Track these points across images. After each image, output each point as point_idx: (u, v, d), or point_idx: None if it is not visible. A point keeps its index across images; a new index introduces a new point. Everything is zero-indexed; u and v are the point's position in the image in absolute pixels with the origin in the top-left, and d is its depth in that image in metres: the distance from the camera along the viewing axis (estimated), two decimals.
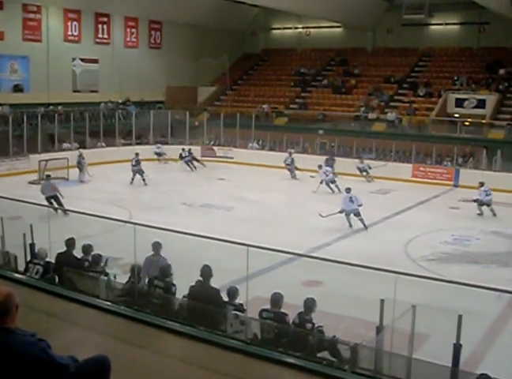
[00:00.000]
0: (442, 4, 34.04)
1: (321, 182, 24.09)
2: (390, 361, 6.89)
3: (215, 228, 14.83)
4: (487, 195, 20.61)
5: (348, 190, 19.06)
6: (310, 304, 7.80)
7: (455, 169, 27.18)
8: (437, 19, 35.97)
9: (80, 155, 25.99)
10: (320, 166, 25.13)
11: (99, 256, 9.83)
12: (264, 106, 35.33)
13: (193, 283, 8.51)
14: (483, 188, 20.81)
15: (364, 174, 27.14)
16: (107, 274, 9.52)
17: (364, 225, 18.35)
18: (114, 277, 9.50)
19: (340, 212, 18.69)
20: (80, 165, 25.71)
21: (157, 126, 33.38)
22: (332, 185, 24.08)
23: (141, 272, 9.29)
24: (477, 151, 29.04)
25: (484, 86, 32.76)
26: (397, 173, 27.24)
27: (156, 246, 9.86)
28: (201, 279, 8.49)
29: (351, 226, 18.50)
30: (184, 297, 8.53)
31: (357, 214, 18.45)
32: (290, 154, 27.94)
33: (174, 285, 8.77)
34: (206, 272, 8.41)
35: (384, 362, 6.91)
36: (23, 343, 3.95)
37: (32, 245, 10.81)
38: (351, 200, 18.59)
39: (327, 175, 24.29)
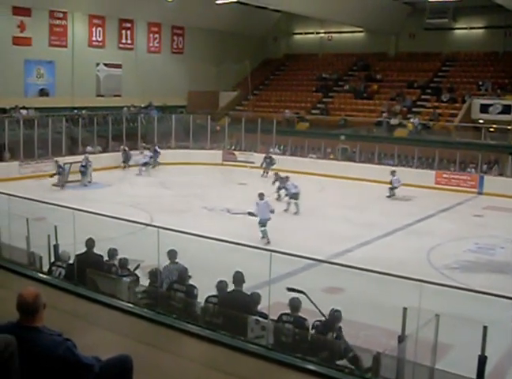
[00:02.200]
0: (466, 7, 33.75)
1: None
2: (413, 371, 6.80)
3: (235, 232, 14.83)
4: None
5: (262, 196, 17.59)
6: (336, 315, 7.72)
7: (479, 176, 26.87)
8: (461, 23, 35.76)
9: (87, 159, 26.16)
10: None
11: (126, 260, 9.84)
12: (286, 111, 35.23)
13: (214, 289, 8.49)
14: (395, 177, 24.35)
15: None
16: (138, 278, 9.55)
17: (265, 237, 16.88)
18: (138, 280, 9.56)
19: (250, 214, 17.58)
20: (84, 169, 25.86)
21: (179, 131, 33.47)
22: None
23: (162, 280, 9.29)
24: (502, 157, 28.63)
25: (510, 91, 32.36)
26: (420, 179, 27.01)
27: (172, 254, 9.81)
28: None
29: (268, 241, 16.79)
30: (208, 302, 8.50)
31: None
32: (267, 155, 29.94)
33: (195, 287, 8.74)
34: (238, 278, 8.36)
35: (406, 371, 6.82)
36: (50, 342, 3.99)
37: (56, 247, 10.88)
38: (266, 207, 17.35)
39: None
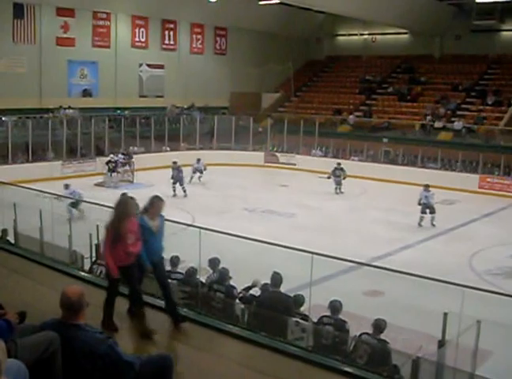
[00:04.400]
0: None
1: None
2: (453, 376, 6.74)
3: (276, 234, 14.84)
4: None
5: (427, 188, 20.42)
6: (381, 324, 7.65)
7: None
8: (508, 24, 35.07)
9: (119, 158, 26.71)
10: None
11: (177, 258, 9.83)
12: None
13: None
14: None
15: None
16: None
17: None
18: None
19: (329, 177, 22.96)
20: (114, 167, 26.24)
21: (221, 132, 33.64)
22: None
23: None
24: None
25: None
26: (463, 183, 26.63)
27: (215, 263, 9.63)
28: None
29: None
30: (242, 301, 8.55)
31: None
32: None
33: (235, 288, 8.80)
34: (277, 279, 8.40)
35: (445, 376, 6.77)
36: (92, 339, 4.07)
37: (97, 246, 11.05)
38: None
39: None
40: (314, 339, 7.65)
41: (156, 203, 6.84)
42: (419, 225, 19.91)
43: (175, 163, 24.60)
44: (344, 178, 25.40)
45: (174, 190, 23.81)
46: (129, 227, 6.39)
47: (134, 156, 28.09)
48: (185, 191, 23.81)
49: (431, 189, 20.73)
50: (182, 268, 10.56)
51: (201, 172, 26.93)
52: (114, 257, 6.35)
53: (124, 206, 6.51)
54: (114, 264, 6.34)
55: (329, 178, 25.49)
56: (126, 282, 6.59)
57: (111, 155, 26.26)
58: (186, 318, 6.55)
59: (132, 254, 6.41)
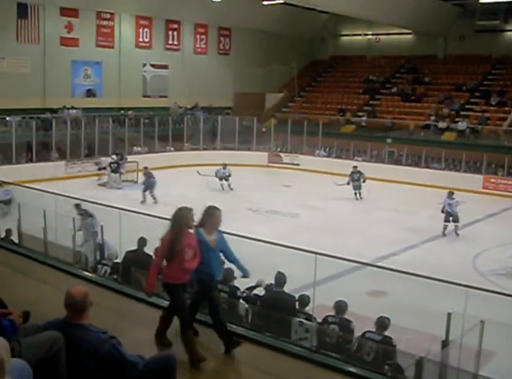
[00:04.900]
0: None
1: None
2: (456, 376, 6.73)
3: (280, 234, 14.83)
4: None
5: (451, 195, 19.56)
6: (384, 322, 7.64)
7: None
8: None
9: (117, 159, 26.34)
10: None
11: None
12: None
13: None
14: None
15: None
16: None
17: None
18: None
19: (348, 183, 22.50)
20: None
21: (225, 132, 33.65)
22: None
23: None
24: None
25: None
26: (467, 184, 26.55)
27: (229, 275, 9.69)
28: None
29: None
30: (246, 301, 8.55)
31: None
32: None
33: (238, 289, 8.80)
34: (281, 279, 8.40)
35: (449, 377, 6.76)
36: (96, 339, 4.07)
37: (102, 245, 11.07)
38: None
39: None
40: (318, 339, 7.65)
41: (214, 215, 6.31)
42: (443, 234, 19.06)
43: (145, 168, 23.48)
44: (363, 181, 24.27)
45: (144, 197, 22.34)
46: (187, 240, 5.91)
47: (138, 156, 28.11)
48: (154, 198, 22.36)
49: (454, 196, 19.74)
50: None
51: (227, 179, 25.64)
52: (165, 274, 5.91)
53: (182, 218, 6.01)
54: (153, 281, 5.94)
55: (348, 183, 24.25)
56: (174, 301, 6.05)
57: (114, 156, 26.26)
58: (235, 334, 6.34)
59: (188, 271, 5.93)
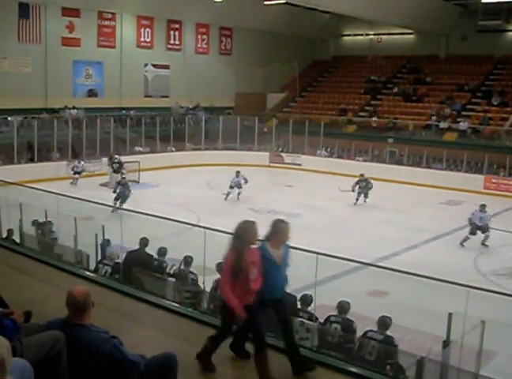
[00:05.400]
0: None
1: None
2: (457, 376, 6.73)
3: None
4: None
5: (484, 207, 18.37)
6: (386, 321, 7.64)
7: None
8: None
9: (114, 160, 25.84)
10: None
11: (191, 258, 9.89)
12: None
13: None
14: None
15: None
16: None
17: None
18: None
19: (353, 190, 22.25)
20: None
21: (226, 132, 33.65)
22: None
23: None
24: None
25: None
26: (469, 184, 26.59)
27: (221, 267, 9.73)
28: None
29: None
30: None
31: None
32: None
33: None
34: None
35: (450, 376, 6.76)
36: (97, 339, 4.08)
37: (103, 245, 11.08)
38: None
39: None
40: (320, 339, 7.66)
41: (282, 228, 5.87)
42: (462, 245, 17.81)
43: (123, 178, 21.64)
44: (369, 189, 23.38)
45: (114, 205, 18.52)
46: (251, 258, 5.42)
47: (139, 156, 28.13)
48: (118, 208, 17.34)
49: (487, 209, 18.53)
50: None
51: (240, 187, 23.63)
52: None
53: (247, 233, 5.55)
54: (238, 301, 5.32)
55: (353, 191, 23.36)
56: (246, 325, 5.55)
57: (116, 156, 26.24)
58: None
59: (252, 292, 5.39)
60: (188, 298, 8.81)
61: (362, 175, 23.72)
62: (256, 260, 5.42)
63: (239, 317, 5.36)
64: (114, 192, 20.57)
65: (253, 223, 5.71)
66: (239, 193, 23.61)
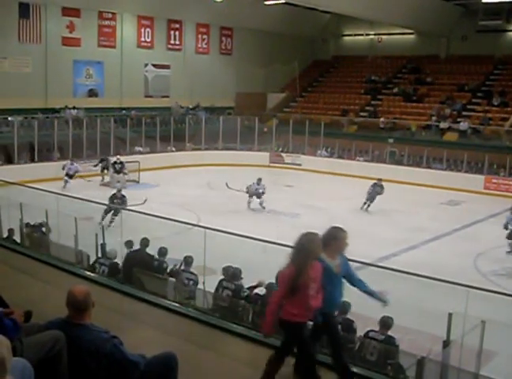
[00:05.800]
0: None
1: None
2: (457, 376, 6.74)
3: (281, 234, 14.81)
4: None
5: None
6: (388, 321, 7.69)
7: None
8: None
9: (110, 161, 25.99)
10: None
11: (191, 258, 9.93)
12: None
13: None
14: None
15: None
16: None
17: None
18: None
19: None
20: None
21: (226, 132, 33.64)
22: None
23: None
24: None
25: None
26: (469, 184, 26.61)
27: (234, 274, 9.53)
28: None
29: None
30: (248, 301, 8.56)
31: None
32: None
33: (243, 287, 8.83)
34: None
35: (450, 376, 6.76)
36: (97, 339, 4.08)
37: (103, 245, 11.09)
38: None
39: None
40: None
41: (339, 237, 5.60)
42: (510, 253, 17.17)
43: (119, 191, 19.48)
44: (379, 195, 22.57)
45: (102, 218, 16.51)
46: (313, 273, 5.03)
47: (140, 156, 28.14)
48: (111, 222, 16.29)
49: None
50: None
51: (260, 196, 22.19)
52: (285, 310, 5.01)
53: (312, 245, 5.14)
54: (272, 320, 5.07)
55: (369, 194, 22.51)
56: (299, 343, 5.21)
57: (118, 156, 26.23)
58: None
59: (312, 309, 5.06)
60: (189, 298, 8.83)
61: (380, 180, 23.10)
62: (318, 275, 5.07)
63: (265, 331, 5.23)
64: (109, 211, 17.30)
65: (316, 234, 5.33)
66: (261, 203, 22.10)
